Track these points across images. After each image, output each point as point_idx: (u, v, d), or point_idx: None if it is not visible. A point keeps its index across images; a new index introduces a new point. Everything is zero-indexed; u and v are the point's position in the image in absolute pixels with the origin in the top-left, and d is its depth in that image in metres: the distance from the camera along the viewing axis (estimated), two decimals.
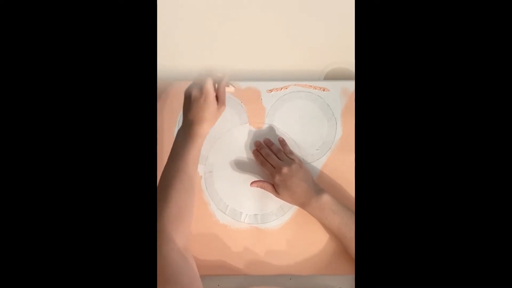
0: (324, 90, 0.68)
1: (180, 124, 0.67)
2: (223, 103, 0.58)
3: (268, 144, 0.65)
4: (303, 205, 0.59)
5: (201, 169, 0.65)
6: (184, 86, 0.69)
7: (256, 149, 0.65)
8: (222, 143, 0.66)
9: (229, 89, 0.62)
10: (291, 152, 0.64)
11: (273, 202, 0.63)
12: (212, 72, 0.58)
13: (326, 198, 0.58)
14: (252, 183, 0.62)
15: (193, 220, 0.54)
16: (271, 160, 0.61)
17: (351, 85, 0.68)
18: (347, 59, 0.71)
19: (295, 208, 0.63)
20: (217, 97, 0.57)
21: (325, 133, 0.66)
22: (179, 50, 0.73)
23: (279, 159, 0.61)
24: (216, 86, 0.58)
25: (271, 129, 0.67)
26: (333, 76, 0.72)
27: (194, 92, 0.56)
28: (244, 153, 0.66)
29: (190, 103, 0.56)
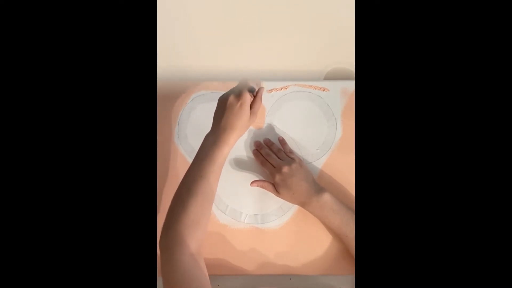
0: (324, 90, 0.68)
1: (180, 124, 0.68)
2: (256, 114, 0.58)
3: (268, 144, 0.65)
4: (303, 204, 0.59)
5: None
6: (184, 86, 0.69)
7: (256, 149, 0.65)
8: None
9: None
10: (291, 152, 0.64)
11: (273, 202, 0.63)
12: (249, 81, 0.58)
13: (326, 197, 0.58)
14: (252, 182, 0.62)
15: (206, 227, 0.53)
16: (271, 160, 0.61)
17: (351, 85, 0.68)
18: (347, 59, 0.71)
19: (295, 208, 0.63)
20: (251, 107, 0.57)
21: (325, 133, 0.66)
22: (179, 50, 0.73)
23: (279, 159, 0.61)
24: (253, 95, 0.58)
25: (271, 128, 0.67)
26: (333, 76, 0.72)
27: (231, 99, 0.55)
28: (244, 153, 0.66)
29: (224, 109, 0.56)
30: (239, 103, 0.55)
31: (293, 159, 0.61)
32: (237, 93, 0.56)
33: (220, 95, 0.58)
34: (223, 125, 0.55)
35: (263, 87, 0.59)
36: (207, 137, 0.56)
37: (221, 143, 0.54)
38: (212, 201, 0.54)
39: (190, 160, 0.64)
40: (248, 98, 0.56)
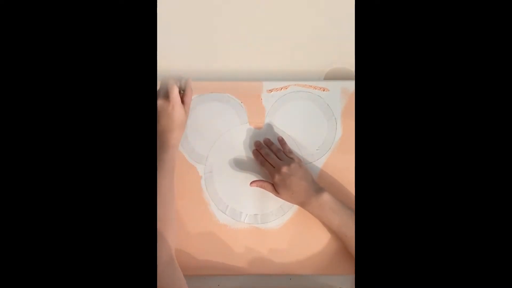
0: (324, 90, 0.68)
1: None
2: (189, 107, 0.59)
3: (268, 144, 0.65)
4: (303, 204, 0.59)
5: (201, 169, 0.65)
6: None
7: (256, 149, 0.65)
8: (222, 143, 0.66)
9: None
10: (291, 152, 0.64)
11: (273, 202, 0.63)
12: (175, 78, 0.58)
13: (326, 197, 0.58)
14: (251, 182, 0.62)
15: (175, 233, 0.53)
16: (271, 160, 0.61)
17: (351, 85, 0.68)
18: (347, 59, 0.71)
19: (295, 208, 0.63)
20: (183, 102, 0.57)
21: (325, 133, 0.66)
22: (179, 50, 0.73)
23: (279, 159, 0.61)
24: (182, 92, 0.58)
25: (271, 128, 0.67)
26: (333, 76, 0.72)
27: (160, 103, 0.56)
28: (244, 153, 0.66)
29: (158, 113, 0.56)
30: (170, 105, 0.55)
31: (292, 159, 0.61)
32: (165, 95, 0.56)
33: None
34: (162, 129, 0.56)
35: (189, 79, 0.59)
36: None
37: (165, 147, 0.55)
38: (172, 208, 0.54)
39: (190, 160, 0.64)
40: (177, 97, 0.56)
